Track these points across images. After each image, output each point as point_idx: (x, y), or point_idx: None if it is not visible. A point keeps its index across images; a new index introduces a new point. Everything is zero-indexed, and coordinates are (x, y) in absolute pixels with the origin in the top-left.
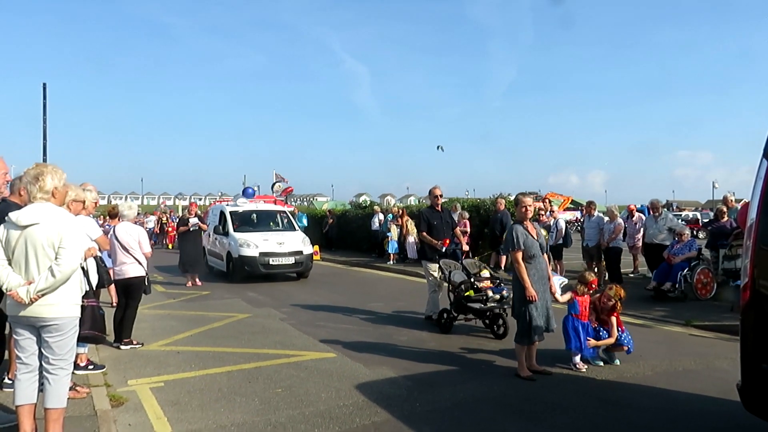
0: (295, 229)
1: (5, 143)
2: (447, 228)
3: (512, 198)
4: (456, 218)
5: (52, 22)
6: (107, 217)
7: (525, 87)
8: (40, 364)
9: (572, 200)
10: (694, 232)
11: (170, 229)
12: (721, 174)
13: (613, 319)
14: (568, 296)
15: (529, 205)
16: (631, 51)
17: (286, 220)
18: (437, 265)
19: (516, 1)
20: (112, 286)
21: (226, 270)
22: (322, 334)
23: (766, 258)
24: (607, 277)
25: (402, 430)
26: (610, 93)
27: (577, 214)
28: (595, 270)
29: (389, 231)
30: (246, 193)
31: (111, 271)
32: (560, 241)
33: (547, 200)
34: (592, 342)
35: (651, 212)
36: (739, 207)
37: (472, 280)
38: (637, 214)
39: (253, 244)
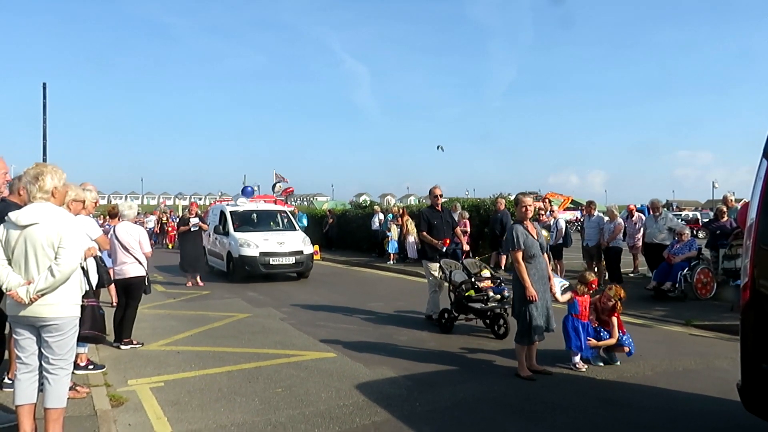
0: (295, 229)
1: (5, 143)
2: (447, 228)
3: (512, 198)
4: (456, 218)
5: (52, 22)
6: (107, 217)
7: (525, 87)
8: (40, 364)
9: (572, 200)
10: (694, 232)
11: (170, 228)
12: (721, 174)
13: (614, 320)
14: (568, 296)
15: (529, 205)
16: (631, 51)
17: (286, 220)
18: (438, 265)
19: (516, 1)
20: (112, 286)
21: (227, 270)
22: (322, 334)
23: (766, 258)
24: (607, 277)
25: (402, 430)
26: (610, 93)
27: (577, 214)
28: (595, 270)
29: (389, 231)
30: (245, 192)
31: (111, 271)
32: (560, 241)
33: (547, 200)
34: (593, 342)
35: (651, 212)
36: (739, 207)
37: (473, 279)
38: (636, 214)
39: (254, 243)
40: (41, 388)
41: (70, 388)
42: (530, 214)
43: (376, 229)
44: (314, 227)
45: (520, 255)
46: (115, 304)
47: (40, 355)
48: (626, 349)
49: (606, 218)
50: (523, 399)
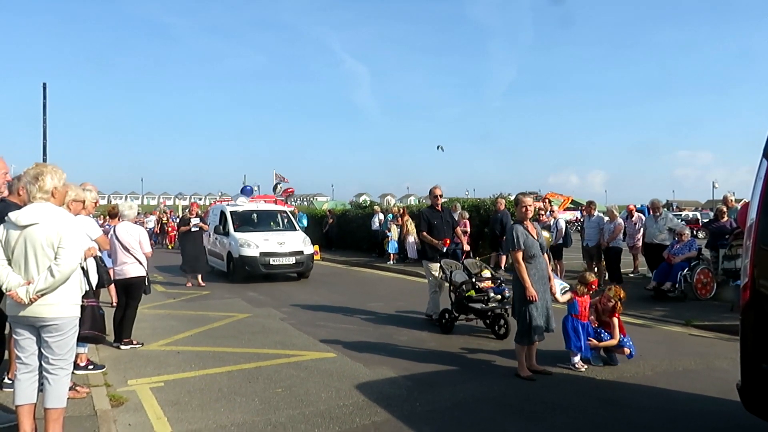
0: (295, 229)
1: (5, 143)
2: (447, 228)
3: (512, 198)
4: (456, 218)
5: (52, 22)
6: (107, 217)
7: (525, 87)
8: (40, 364)
9: (572, 200)
10: (694, 232)
11: (170, 229)
12: (721, 174)
13: (615, 321)
14: (568, 296)
15: (529, 205)
16: (631, 51)
17: (286, 220)
18: (438, 265)
19: (516, 1)
20: (112, 286)
21: (227, 270)
22: (322, 334)
23: (766, 258)
24: (607, 277)
25: (402, 430)
26: (610, 93)
27: (577, 214)
28: (595, 270)
29: (389, 231)
30: (245, 191)
31: (111, 271)
32: (560, 241)
33: (547, 200)
34: (593, 342)
35: (651, 212)
36: (739, 207)
37: (474, 280)
38: (636, 214)
39: (254, 244)
40: (41, 388)
41: (70, 388)
42: (530, 215)
43: (376, 229)
44: (314, 227)
45: (520, 255)
46: (115, 304)
47: (40, 355)
48: (627, 351)
49: (606, 218)
50: (523, 399)
